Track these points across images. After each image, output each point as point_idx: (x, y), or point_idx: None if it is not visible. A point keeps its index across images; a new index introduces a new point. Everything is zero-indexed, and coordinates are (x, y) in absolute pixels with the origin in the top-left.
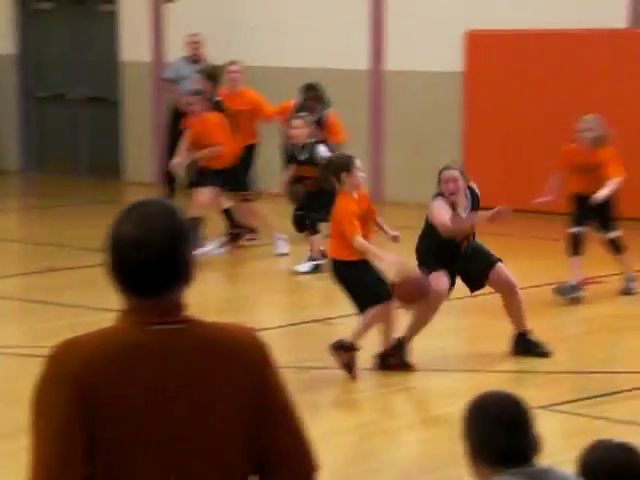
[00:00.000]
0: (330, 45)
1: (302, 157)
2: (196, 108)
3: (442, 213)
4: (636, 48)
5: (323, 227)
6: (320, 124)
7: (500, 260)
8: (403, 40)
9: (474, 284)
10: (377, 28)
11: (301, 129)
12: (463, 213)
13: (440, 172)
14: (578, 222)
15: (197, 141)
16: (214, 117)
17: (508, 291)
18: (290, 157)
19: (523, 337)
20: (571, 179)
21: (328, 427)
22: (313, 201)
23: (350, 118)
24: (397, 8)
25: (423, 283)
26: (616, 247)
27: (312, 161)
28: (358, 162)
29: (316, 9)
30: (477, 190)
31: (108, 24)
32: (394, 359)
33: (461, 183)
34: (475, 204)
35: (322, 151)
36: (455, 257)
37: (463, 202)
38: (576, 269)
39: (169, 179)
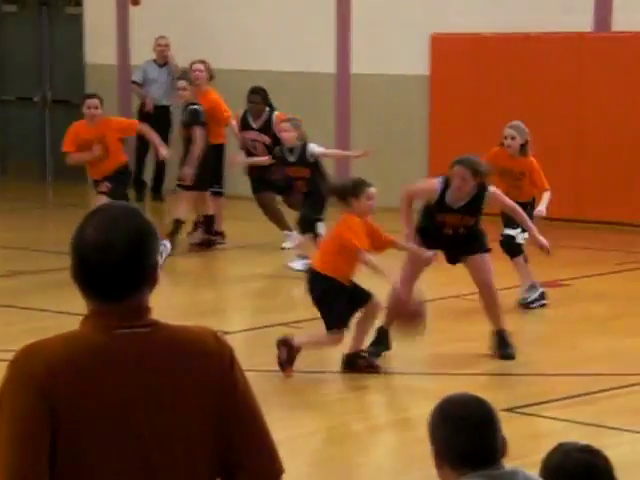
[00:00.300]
0: (296, 48)
1: (292, 159)
2: (97, 113)
3: (417, 190)
4: (601, 52)
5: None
6: (268, 127)
7: (487, 250)
8: (369, 43)
9: (451, 259)
10: (343, 31)
11: (291, 132)
12: (454, 205)
13: (453, 163)
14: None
15: (87, 148)
16: (114, 122)
17: (479, 286)
18: (279, 159)
19: (497, 334)
20: (492, 182)
21: (296, 430)
22: (306, 201)
23: (317, 121)
24: (363, 11)
25: (416, 312)
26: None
27: (302, 162)
28: (371, 190)
29: (282, 12)
30: (488, 191)
31: (74, 27)
32: (362, 360)
33: (469, 182)
34: (474, 205)
35: (313, 148)
36: (439, 239)
37: (461, 199)
38: (524, 271)
39: (138, 184)
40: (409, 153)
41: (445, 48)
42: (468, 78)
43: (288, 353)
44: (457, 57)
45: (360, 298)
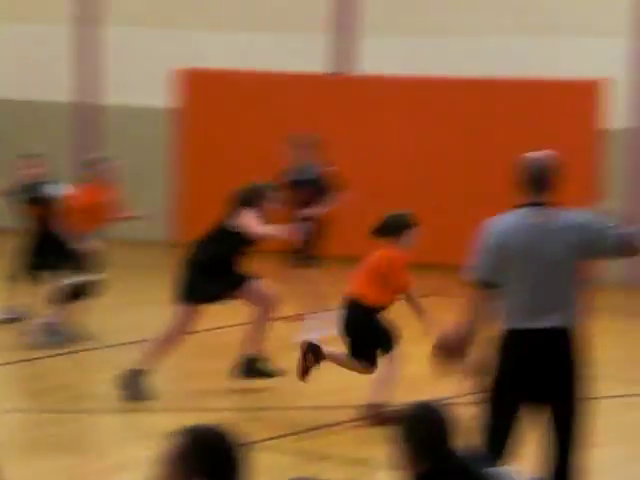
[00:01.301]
0: (30, 76)
1: (27, 196)
2: None
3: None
4: (336, 93)
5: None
6: None
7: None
8: (116, 74)
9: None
10: (87, 60)
11: (30, 169)
12: None
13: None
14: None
15: None
16: None
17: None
18: (20, 195)
19: (253, 362)
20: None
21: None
22: (46, 246)
23: (54, 152)
24: (112, 42)
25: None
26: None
27: (37, 200)
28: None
29: (12, 39)
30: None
31: None
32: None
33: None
34: None
35: (49, 189)
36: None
37: None
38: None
39: None
40: (155, 186)
41: (191, 82)
42: (215, 113)
43: (312, 362)
44: (203, 92)
45: None
